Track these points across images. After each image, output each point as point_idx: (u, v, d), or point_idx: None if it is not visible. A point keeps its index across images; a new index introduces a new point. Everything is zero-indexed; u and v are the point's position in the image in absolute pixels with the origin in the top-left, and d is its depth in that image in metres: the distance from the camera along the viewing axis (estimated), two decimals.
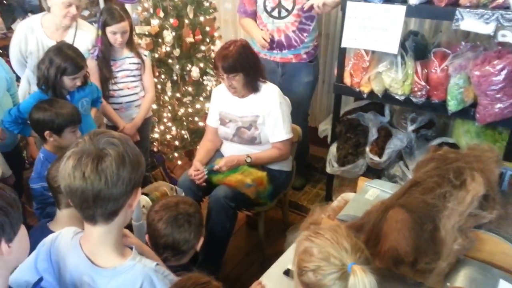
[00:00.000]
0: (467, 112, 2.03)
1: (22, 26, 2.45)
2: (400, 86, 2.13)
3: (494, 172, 1.23)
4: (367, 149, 2.32)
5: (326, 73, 3.22)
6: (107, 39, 2.48)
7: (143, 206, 1.94)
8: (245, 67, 2.14)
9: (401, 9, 2.02)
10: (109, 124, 2.69)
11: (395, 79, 2.12)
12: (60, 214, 1.58)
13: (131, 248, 1.17)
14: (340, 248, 0.93)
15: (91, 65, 2.41)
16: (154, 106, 2.94)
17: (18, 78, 2.56)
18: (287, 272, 1.36)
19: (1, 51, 3.17)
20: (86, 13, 3.59)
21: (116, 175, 0.99)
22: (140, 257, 1.15)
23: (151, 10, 2.91)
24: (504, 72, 1.84)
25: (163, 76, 2.99)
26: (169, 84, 2.98)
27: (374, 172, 2.37)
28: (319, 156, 3.13)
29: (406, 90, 2.13)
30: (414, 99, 2.12)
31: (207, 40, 3.00)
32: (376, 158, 2.27)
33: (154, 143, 3.12)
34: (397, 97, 2.15)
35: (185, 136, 3.08)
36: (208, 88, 3.07)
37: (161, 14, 2.85)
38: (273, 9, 2.61)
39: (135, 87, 2.64)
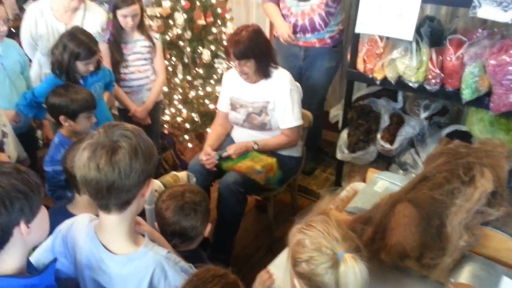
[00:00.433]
0: (481, 101, 2.00)
1: (32, 10, 2.46)
2: (414, 73, 2.10)
3: (504, 168, 1.23)
4: (379, 136, 2.30)
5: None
6: (118, 23, 2.48)
7: (156, 190, 1.97)
8: (257, 53, 2.12)
9: None
10: (121, 107, 2.72)
11: (409, 66, 2.09)
12: (79, 199, 1.64)
13: (144, 236, 1.22)
14: (331, 238, 0.96)
15: (102, 49, 2.42)
16: (165, 89, 2.94)
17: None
18: None
19: (14, 31, 3.18)
20: None
21: (129, 167, 1.03)
22: (152, 245, 1.20)
23: None
24: None
25: (174, 59, 2.99)
26: (180, 67, 2.98)
27: (384, 159, 2.37)
28: (330, 141, 3.12)
29: (420, 78, 2.10)
30: (428, 87, 2.09)
31: (219, 22, 2.97)
32: (388, 145, 2.26)
33: (165, 126, 3.14)
34: (410, 84, 2.12)
35: (196, 119, 3.09)
36: (219, 71, 3.06)
37: None
38: None
39: (146, 70, 2.65)
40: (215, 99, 2.97)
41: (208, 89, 3.04)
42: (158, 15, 2.89)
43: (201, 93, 3.04)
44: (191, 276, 1.13)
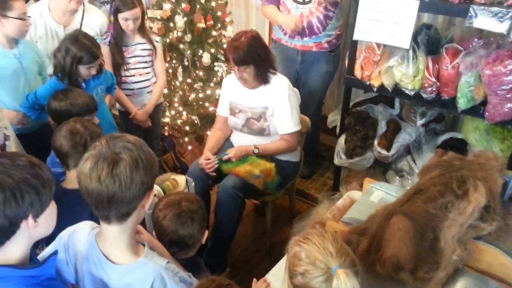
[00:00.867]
0: (477, 110, 2.03)
1: (31, 11, 2.48)
2: (411, 81, 2.13)
3: (497, 181, 1.26)
4: (376, 142, 2.34)
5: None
6: (119, 25, 2.50)
7: (155, 195, 2.00)
8: (256, 59, 2.14)
9: (415, 4, 1.99)
10: (121, 109, 2.74)
11: (406, 74, 2.12)
12: (69, 175, 1.70)
13: (144, 245, 1.24)
14: (325, 252, 0.99)
15: (104, 51, 2.43)
16: (165, 91, 2.97)
17: None
18: None
19: None
20: None
21: (129, 180, 1.05)
22: (152, 255, 1.22)
23: None
24: None
25: (174, 61, 3.01)
26: (180, 69, 3.00)
27: (381, 165, 2.40)
28: (328, 145, 3.15)
29: (416, 85, 2.12)
30: (424, 95, 2.12)
31: (219, 25, 2.99)
32: (384, 152, 2.29)
33: (165, 128, 3.17)
34: (407, 92, 2.15)
35: (196, 121, 3.12)
36: (219, 74, 3.08)
37: None
38: None
39: (146, 73, 2.67)
40: (215, 102, 3.00)
41: (208, 91, 3.06)
42: (159, 18, 2.91)
43: (201, 95, 3.06)
44: (195, 287, 1.16)
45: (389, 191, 1.51)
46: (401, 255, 1.13)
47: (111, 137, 1.11)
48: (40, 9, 2.46)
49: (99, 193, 1.05)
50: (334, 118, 2.72)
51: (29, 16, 2.14)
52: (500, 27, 1.83)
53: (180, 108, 3.10)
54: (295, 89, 2.34)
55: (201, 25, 2.87)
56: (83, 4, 2.51)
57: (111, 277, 1.17)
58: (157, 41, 2.67)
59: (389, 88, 2.20)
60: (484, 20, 1.86)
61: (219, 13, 2.95)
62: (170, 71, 3.02)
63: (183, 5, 2.82)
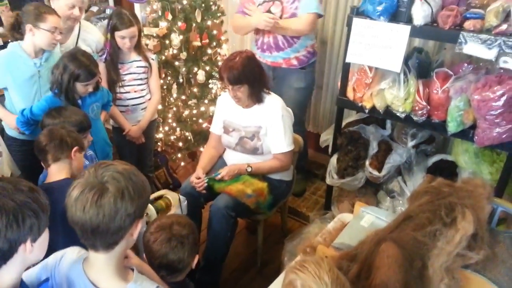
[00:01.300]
0: (466, 134, 2.06)
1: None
2: (402, 104, 2.16)
3: (485, 209, 1.28)
4: (367, 162, 2.36)
5: (330, 82, 3.24)
6: (115, 43, 2.52)
7: (147, 214, 2.00)
8: (250, 78, 2.17)
9: (406, 29, 2.03)
10: (115, 125, 2.75)
11: (397, 97, 2.15)
12: (49, 170, 1.77)
13: (133, 269, 1.23)
14: (321, 282, 0.99)
15: (99, 68, 2.45)
16: (159, 107, 2.98)
17: None
18: None
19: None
20: (95, 9, 3.61)
21: (114, 211, 1.05)
22: (142, 280, 1.21)
23: (160, 13, 2.94)
24: (503, 98, 1.87)
25: (169, 78, 3.03)
26: (175, 86, 3.03)
27: (373, 186, 2.42)
28: (319, 163, 3.17)
29: (407, 108, 2.16)
30: (414, 117, 2.15)
31: (214, 43, 3.03)
32: (375, 173, 2.32)
33: (158, 143, 3.18)
34: (398, 114, 2.18)
35: (189, 138, 3.13)
36: (213, 91, 3.11)
37: (169, 17, 2.88)
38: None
39: (141, 90, 2.69)
40: (208, 118, 3.02)
41: (202, 108, 3.09)
42: (155, 35, 2.94)
43: (195, 112, 3.09)
44: None
45: (380, 216, 1.53)
46: (390, 282, 1.14)
47: (100, 165, 1.10)
48: None
49: (83, 223, 1.05)
50: (326, 138, 2.75)
51: (61, 32, 2.21)
52: (489, 54, 1.88)
53: (174, 124, 3.11)
54: (289, 108, 2.37)
55: (197, 43, 2.91)
56: (79, 21, 2.53)
57: None
58: (152, 59, 2.70)
59: (380, 110, 2.24)
60: (473, 46, 1.90)
61: (214, 32, 3.00)
62: (165, 87, 3.04)
63: (179, 23, 2.86)
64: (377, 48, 2.14)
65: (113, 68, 2.58)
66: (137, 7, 3.50)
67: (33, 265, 1.22)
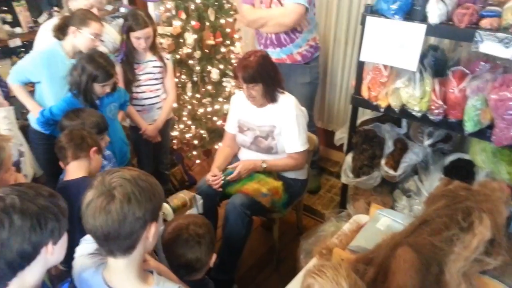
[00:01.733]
0: (484, 133, 2.03)
1: (44, 28, 2.55)
2: (418, 103, 2.14)
3: (502, 214, 1.27)
4: (383, 161, 2.35)
5: (344, 80, 3.23)
6: (131, 43, 2.55)
7: (164, 213, 2.04)
8: (265, 77, 2.19)
9: (421, 28, 2.01)
10: (132, 124, 2.79)
11: (413, 96, 2.13)
12: (68, 167, 1.84)
13: (152, 272, 1.25)
14: None
15: (116, 68, 2.49)
16: (174, 105, 3.01)
17: None
18: None
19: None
20: (109, 7, 3.65)
21: (122, 216, 1.06)
22: (164, 281, 1.23)
23: (173, 12, 2.95)
24: None
25: (183, 77, 3.06)
26: (189, 85, 3.05)
27: (388, 185, 2.41)
28: (334, 160, 3.17)
29: (423, 107, 2.14)
30: (431, 117, 2.13)
31: (227, 42, 3.04)
32: (391, 172, 2.31)
33: (174, 141, 3.21)
34: (414, 113, 2.16)
35: (204, 135, 3.16)
36: (227, 89, 3.12)
37: (183, 16, 2.89)
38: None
39: (157, 89, 2.72)
40: (223, 116, 3.04)
41: (216, 106, 3.11)
42: (169, 34, 2.96)
43: (209, 110, 3.11)
44: None
45: (396, 218, 1.53)
46: (407, 287, 1.15)
47: (108, 172, 1.12)
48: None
49: (96, 231, 1.08)
50: (341, 136, 2.75)
51: (102, 40, 2.31)
52: (506, 53, 1.85)
53: (189, 122, 3.14)
54: (303, 108, 2.37)
55: (210, 42, 2.92)
56: None
57: None
58: (167, 59, 2.72)
59: (396, 109, 2.22)
60: (490, 45, 1.88)
61: (228, 30, 3.00)
62: (180, 86, 3.06)
63: (193, 22, 2.87)
64: (392, 46, 2.12)
65: (129, 68, 2.61)
66: (150, 5, 3.52)
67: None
